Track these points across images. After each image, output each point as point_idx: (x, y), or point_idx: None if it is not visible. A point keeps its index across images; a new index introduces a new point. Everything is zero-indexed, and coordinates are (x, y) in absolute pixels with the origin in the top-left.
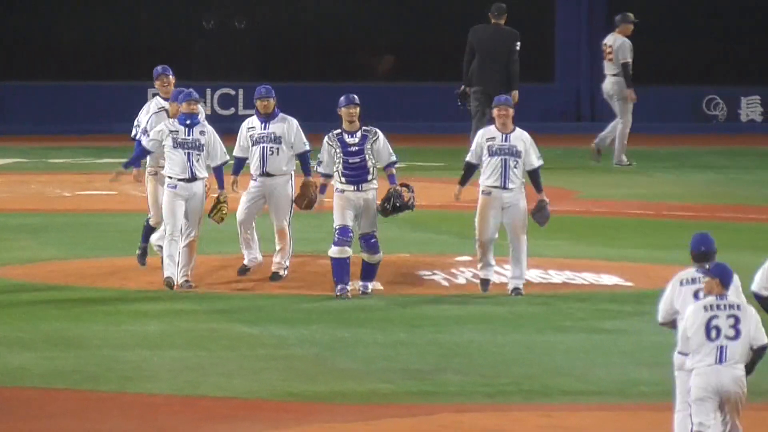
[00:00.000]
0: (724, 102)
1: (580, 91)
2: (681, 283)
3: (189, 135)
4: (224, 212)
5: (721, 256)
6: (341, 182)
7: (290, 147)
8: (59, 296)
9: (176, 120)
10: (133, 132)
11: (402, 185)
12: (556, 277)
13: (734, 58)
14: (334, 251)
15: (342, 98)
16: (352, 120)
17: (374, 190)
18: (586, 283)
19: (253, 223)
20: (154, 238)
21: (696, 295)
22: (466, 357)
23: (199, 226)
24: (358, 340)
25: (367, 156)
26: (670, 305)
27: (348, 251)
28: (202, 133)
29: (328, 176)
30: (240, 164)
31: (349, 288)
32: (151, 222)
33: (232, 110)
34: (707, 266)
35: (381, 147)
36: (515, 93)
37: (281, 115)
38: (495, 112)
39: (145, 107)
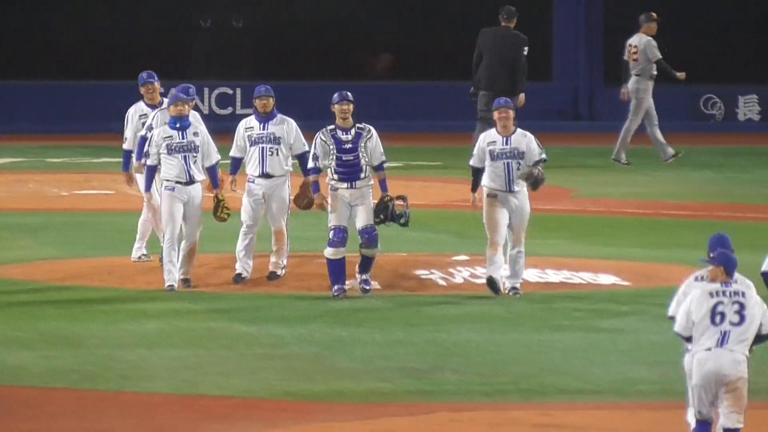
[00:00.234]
0: (722, 101)
1: (578, 90)
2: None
3: (183, 138)
4: (228, 210)
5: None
6: (334, 179)
7: (289, 148)
8: (57, 295)
9: (167, 126)
10: (125, 145)
11: (398, 197)
12: (554, 276)
13: (732, 57)
14: (329, 252)
15: (335, 95)
16: (345, 117)
17: (369, 186)
18: (583, 283)
19: (255, 234)
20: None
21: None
22: (464, 356)
23: (200, 230)
24: (356, 339)
25: (360, 153)
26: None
27: (343, 251)
28: (195, 134)
29: (320, 171)
30: (237, 164)
31: (346, 288)
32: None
33: (229, 109)
34: (711, 255)
35: (374, 146)
36: (521, 96)
37: (280, 115)
38: (495, 115)
39: (128, 117)
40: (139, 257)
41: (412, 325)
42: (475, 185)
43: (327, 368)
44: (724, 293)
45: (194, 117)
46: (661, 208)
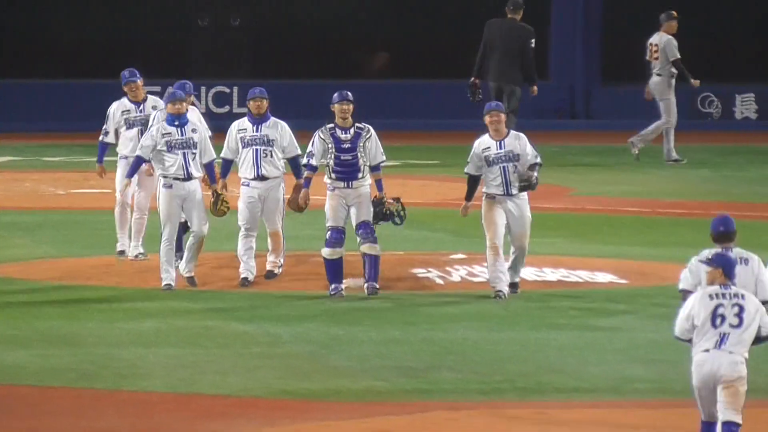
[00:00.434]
0: (719, 99)
1: (574, 88)
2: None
3: (182, 135)
4: (227, 204)
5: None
6: (332, 178)
7: (282, 151)
8: (54, 294)
9: (165, 122)
10: (106, 138)
11: (394, 199)
12: (551, 274)
13: (729, 56)
14: (326, 252)
15: (335, 94)
16: (345, 117)
17: (366, 186)
18: (580, 281)
19: (255, 235)
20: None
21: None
22: (461, 354)
23: (207, 224)
24: (353, 337)
25: (359, 154)
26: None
27: (340, 252)
28: (194, 131)
29: (315, 169)
30: (228, 166)
31: (342, 287)
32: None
33: (227, 108)
34: (710, 257)
35: (373, 145)
36: (534, 88)
37: (273, 118)
38: (487, 119)
39: (111, 112)
40: (136, 256)
41: (408, 324)
42: (469, 194)
43: (324, 367)
44: (724, 295)
45: (194, 113)
46: (658, 207)
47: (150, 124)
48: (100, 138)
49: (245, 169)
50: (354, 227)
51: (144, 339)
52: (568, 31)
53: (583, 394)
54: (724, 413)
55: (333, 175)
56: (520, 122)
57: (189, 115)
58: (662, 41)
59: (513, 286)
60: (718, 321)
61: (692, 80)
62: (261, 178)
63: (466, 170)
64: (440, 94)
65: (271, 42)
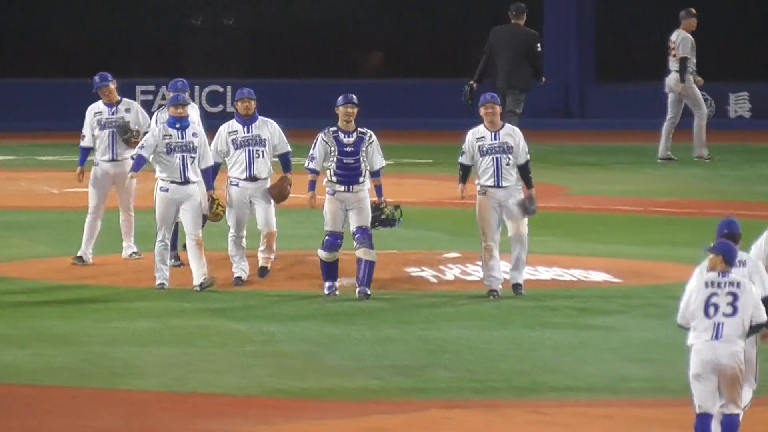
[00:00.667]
0: (713, 98)
1: (569, 87)
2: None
3: (182, 138)
4: (222, 209)
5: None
6: (332, 181)
7: (273, 149)
8: (49, 293)
9: (166, 124)
10: (83, 142)
11: (394, 206)
12: (545, 273)
13: (723, 54)
14: (322, 255)
15: (340, 97)
16: (348, 120)
17: (366, 190)
18: (574, 280)
19: (245, 234)
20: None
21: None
22: (455, 353)
23: (200, 227)
24: (347, 336)
25: (361, 158)
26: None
27: (336, 255)
28: (194, 135)
29: (317, 173)
30: (216, 170)
31: (337, 285)
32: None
33: (220, 107)
34: (711, 244)
35: (374, 150)
36: (543, 78)
37: (261, 117)
38: (482, 110)
39: (87, 115)
40: (130, 255)
41: (403, 323)
42: (463, 179)
43: (318, 366)
44: (719, 284)
45: (194, 111)
46: (652, 206)
47: (152, 126)
48: (80, 142)
49: (237, 170)
50: (351, 231)
51: (139, 338)
52: (562, 30)
53: (578, 393)
54: (726, 407)
55: (334, 179)
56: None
57: (190, 112)
58: (679, 38)
59: (516, 287)
60: (711, 310)
61: (682, 84)
62: (253, 178)
63: (460, 160)
64: (435, 94)
65: (265, 41)
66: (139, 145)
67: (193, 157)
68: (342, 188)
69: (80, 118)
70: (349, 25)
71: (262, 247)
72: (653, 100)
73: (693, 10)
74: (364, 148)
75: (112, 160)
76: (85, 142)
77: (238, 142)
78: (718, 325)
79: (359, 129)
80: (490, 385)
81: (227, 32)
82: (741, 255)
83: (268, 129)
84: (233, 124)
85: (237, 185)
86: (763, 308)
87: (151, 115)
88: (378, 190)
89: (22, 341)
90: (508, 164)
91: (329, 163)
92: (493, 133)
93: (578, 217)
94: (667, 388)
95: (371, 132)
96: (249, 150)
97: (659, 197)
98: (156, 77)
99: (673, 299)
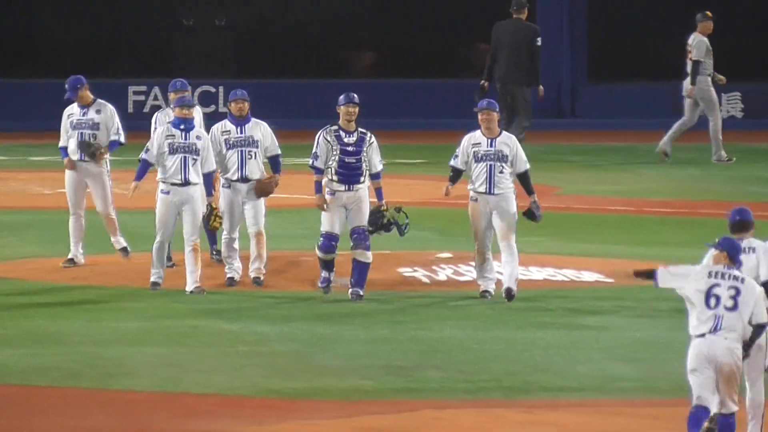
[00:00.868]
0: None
1: (561, 87)
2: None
3: (185, 139)
4: (220, 219)
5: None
6: (333, 180)
7: (264, 150)
8: (40, 293)
9: (170, 125)
10: (60, 142)
11: (396, 209)
12: (537, 273)
13: (715, 54)
14: (319, 254)
15: (342, 96)
16: (350, 119)
17: (365, 190)
18: (566, 280)
19: (237, 236)
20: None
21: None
22: (447, 353)
23: (199, 231)
24: (339, 336)
25: (363, 158)
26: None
27: (333, 255)
28: (198, 137)
29: (322, 171)
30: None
31: (332, 278)
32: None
33: (212, 107)
34: (717, 240)
35: (374, 152)
36: (541, 88)
37: (254, 119)
38: (479, 117)
39: (63, 118)
40: (123, 249)
41: (395, 323)
42: (453, 180)
43: (310, 366)
44: (723, 276)
45: (197, 115)
46: (644, 206)
47: (154, 127)
48: (60, 144)
49: (229, 171)
50: (349, 230)
51: (130, 338)
52: (554, 29)
53: (570, 393)
54: (722, 404)
55: (335, 178)
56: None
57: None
58: (694, 41)
59: (509, 292)
60: (713, 301)
61: (690, 86)
62: (244, 179)
63: (451, 163)
64: (427, 94)
65: (256, 41)
66: (144, 149)
67: (195, 159)
68: (342, 188)
69: None
70: (340, 25)
71: (253, 256)
72: (645, 99)
73: (709, 14)
74: (365, 148)
75: (81, 160)
76: (62, 143)
77: (230, 142)
78: (718, 317)
79: (360, 129)
80: (482, 385)
81: (219, 32)
82: (751, 241)
83: (261, 131)
84: (226, 124)
85: (228, 186)
86: (764, 308)
87: (151, 116)
88: (378, 193)
89: (13, 341)
90: (501, 172)
91: (331, 162)
92: (489, 140)
93: (570, 217)
94: (657, 388)
95: (371, 133)
96: (241, 151)
97: (652, 197)
98: (148, 77)
99: (665, 301)
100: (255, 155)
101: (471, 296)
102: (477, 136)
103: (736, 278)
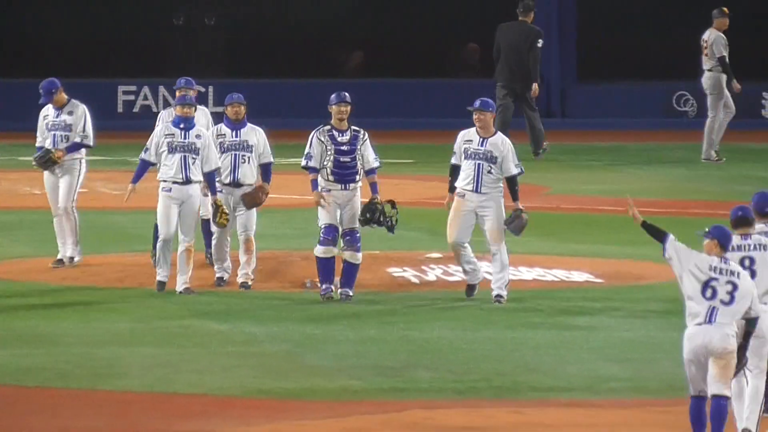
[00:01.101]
0: (695, 98)
1: (550, 87)
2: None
3: (185, 138)
4: (226, 216)
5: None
6: (328, 180)
7: (258, 156)
8: (30, 293)
9: (170, 123)
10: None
11: (388, 201)
12: (527, 273)
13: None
14: (319, 251)
15: (333, 96)
16: (342, 118)
17: (359, 188)
18: (556, 280)
19: (228, 236)
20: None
21: (742, 262)
22: (437, 353)
23: (194, 232)
24: (329, 336)
25: (357, 156)
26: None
27: (334, 251)
28: (198, 136)
29: (317, 170)
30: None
31: (332, 289)
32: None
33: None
34: (707, 228)
35: (368, 149)
36: (535, 86)
37: (250, 124)
38: (473, 116)
39: (39, 119)
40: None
41: (384, 323)
42: (452, 185)
43: (300, 366)
44: (721, 271)
45: (203, 115)
46: (634, 206)
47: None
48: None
49: (222, 174)
50: (341, 232)
51: (120, 338)
52: (543, 29)
53: (559, 393)
54: (713, 386)
55: (330, 177)
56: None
57: (198, 115)
58: (711, 38)
59: (498, 297)
60: (709, 293)
61: (735, 82)
62: (236, 184)
63: (452, 161)
64: (416, 93)
65: (246, 41)
66: (144, 148)
67: (195, 158)
68: (338, 186)
69: None
70: (331, 25)
71: (242, 261)
72: (635, 99)
73: (725, 10)
74: (359, 147)
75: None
76: (38, 143)
77: (225, 145)
78: (713, 309)
79: (353, 127)
80: (471, 385)
81: (209, 32)
82: (761, 239)
83: (256, 136)
84: (222, 128)
85: (221, 191)
86: (757, 302)
87: (139, 116)
88: (373, 187)
89: (4, 341)
90: (489, 172)
91: (326, 162)
92: (482, 139)
93: (560, 217)
94: (647, 388)
95: (363, 130)
96: (235, 155)
97: (641, 197)
98: (138, 77)
99: (655, 301)
100: (249, 160)
101: (461, 296)
102: (471, 133)
103: (733, 273)
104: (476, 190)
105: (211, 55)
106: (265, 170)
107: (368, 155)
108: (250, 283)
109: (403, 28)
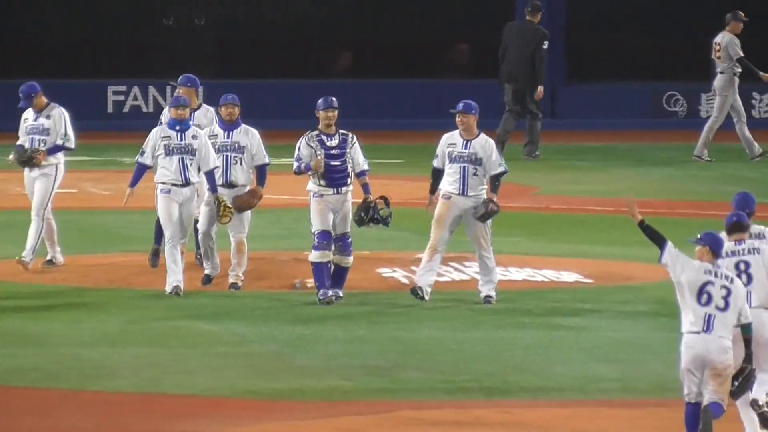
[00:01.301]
0: (685, 98)
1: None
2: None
3: (181, 140)
4: (230, 211)
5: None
6: (320, 185)
7: (251, 158)
8: (19, 294)
9: (166, 126)
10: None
11: (380, 198)
12: (516, 274)
13: (694, 54)
14: (315, 256)
15: (320, 101)
16: (329, 123)
17: (351, 192)
18: (545, 280)
19: (213, 235)
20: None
21: (737, 267)
22: (426, 354)
23: (189, 234)
24: (318, 337)
25: (347, 160)
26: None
27: (329, 255)
28: (194, 137)
29: (309, 170)
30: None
31: (329, 293)
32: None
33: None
34: (699, 235)
35: (357, 152)
36: (540, 88)
37: (243, 125)
38: (456, 118)
39: (21, 122)
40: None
41: (374, 323)
42: (433, 187)
43: (289, 366)
44: (716, 275)
45: (206, 111)
46: (623, 206)
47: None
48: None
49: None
50: (333, 237)
51: (109, 339)
52: None
53: (549, 393)
54: (710, 398)
55: (322, 182)
56: (486, 122)
57: (199, 115)
58: (725, 40)
59: (488, 298)
60: (704, 298)
61: (762, 74)
62: (229, 185)
63: (434, 164)
64: (404, 94)
65: (235, 41)
66: (140, 152)
67: (192, 159)
68: (330, 191)
69: None
70: (318, 26)
71: (233, 263)
72: (624, 99)
73: (741, 14)
74: (349, 150)
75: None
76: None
77: (217, 146)
78: (709, 317)
79: (341, 131)
80: (461, 385)
81: (199, 33)
82: (758, 228)
83: (249, 137)
84: (215, 128)
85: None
86: (747, 306)
87: (130, 116)
88: (365, 188)
89: None
90: (475, 174)
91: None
92: (465, 142)
93: (549, 217)
94: (636, 389)
95: (351, 133)
96: (227, 156)
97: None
98: (127, 78)
99: (645, 301)
100: (241, 161)
101: (450, 297)
102: (455, 136)
103: (726, 278)
104: (463, 193)
105: (200, 56)
106: (260, 172)
107: (358, 158)
108: (240, 284)
109: (392, 29)
